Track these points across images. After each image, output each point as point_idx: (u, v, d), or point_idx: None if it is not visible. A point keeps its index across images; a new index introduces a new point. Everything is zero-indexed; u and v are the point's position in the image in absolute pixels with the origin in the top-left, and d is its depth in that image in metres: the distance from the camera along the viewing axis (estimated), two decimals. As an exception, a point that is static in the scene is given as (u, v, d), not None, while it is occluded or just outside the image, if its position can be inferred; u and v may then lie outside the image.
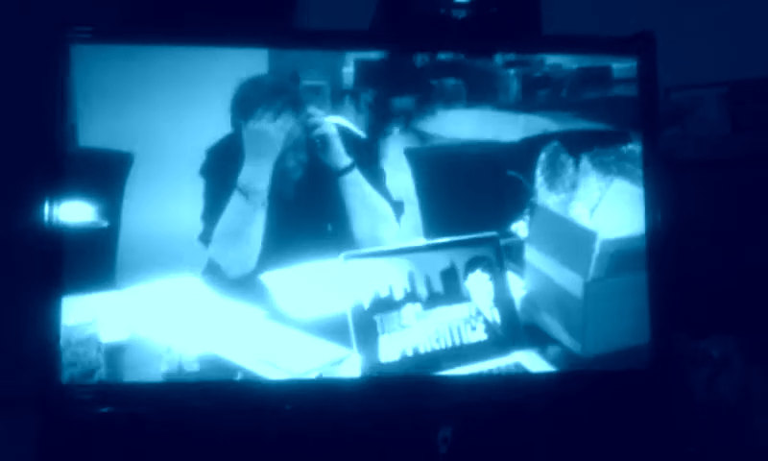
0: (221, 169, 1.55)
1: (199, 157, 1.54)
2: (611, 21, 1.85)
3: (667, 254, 1.59)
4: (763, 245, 1.86)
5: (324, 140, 1.58)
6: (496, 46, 1.66)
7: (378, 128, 1.61)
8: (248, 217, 1.55)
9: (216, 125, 1.54)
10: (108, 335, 1.48)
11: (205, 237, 1.55)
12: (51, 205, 1.46)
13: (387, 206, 1.61)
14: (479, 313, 1.57)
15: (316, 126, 1.58)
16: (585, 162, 1.60)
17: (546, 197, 1.61)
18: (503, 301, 1.58)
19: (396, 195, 1.62)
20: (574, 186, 1.60)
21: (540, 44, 1.69)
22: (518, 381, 1.56)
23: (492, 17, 1.75)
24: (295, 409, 1.49)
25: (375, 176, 1.61)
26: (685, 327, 1.66)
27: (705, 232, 1.85)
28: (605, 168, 1.60)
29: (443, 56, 1.63)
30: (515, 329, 1.58)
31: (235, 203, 1.55)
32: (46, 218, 1.46)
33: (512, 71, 1.64)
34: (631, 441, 1.55)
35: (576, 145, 1.62)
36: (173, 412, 1.48)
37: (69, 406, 1.45)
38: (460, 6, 1.74)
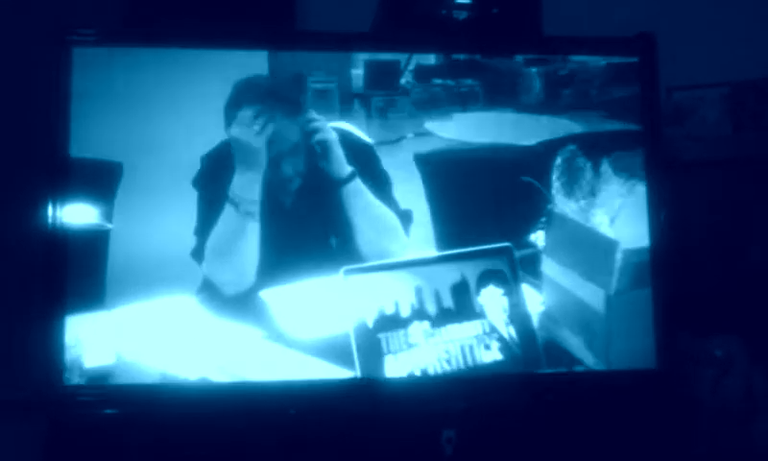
0: (215, 179, 1.48)
1: (193, 167, 1.48)
2: (612, 21, 1.84)
3: (670, 254, 1.56)
4: (765, 245, 1.84)
5: (325, 147, 1.50)
6: (498, 48, 1.63)
7: (386, 132, 1.56)
8: (240, 230, 1.47)
9: (212, 132, 1.48)
10: (93, 360, 1.43)
11: (199, 253, 1.48)
12: (53, 211, 1.44)
13: (393, 217, 1.53)
14: (493, 330, 1.49)
15: (316, 131, 1.50)
16: (605, 167, 1.55)
17: (564, 204, 1.55)
18: (519, 317, 1.51)
19: (405, 204, 1.55)
20: (593, 193, 1.54)
21: (540, 45, 1.67)
22: (524, 382, 1.52)
23: (494, 18, 1.73)
24: (299, 413, 1.45)
25: (382, 184, 1.53)
26: (688, 326, 1.63)
27: (707, 232, 1.85)
28: (627, 172, 1.56)
29: (458, 55, 1.58)
30: (532, 348, 1.52)
31: (227, 215, 1.47)
32: (41, 225, 1.45)
33: (534, 69, 1.60)
34: (637, 442, 1.52)
35: (596, 149, 1.57)
36: (176, 414, 1.46)
37: (72, 409, 1.45)
38: (461, 6, 1.72)
